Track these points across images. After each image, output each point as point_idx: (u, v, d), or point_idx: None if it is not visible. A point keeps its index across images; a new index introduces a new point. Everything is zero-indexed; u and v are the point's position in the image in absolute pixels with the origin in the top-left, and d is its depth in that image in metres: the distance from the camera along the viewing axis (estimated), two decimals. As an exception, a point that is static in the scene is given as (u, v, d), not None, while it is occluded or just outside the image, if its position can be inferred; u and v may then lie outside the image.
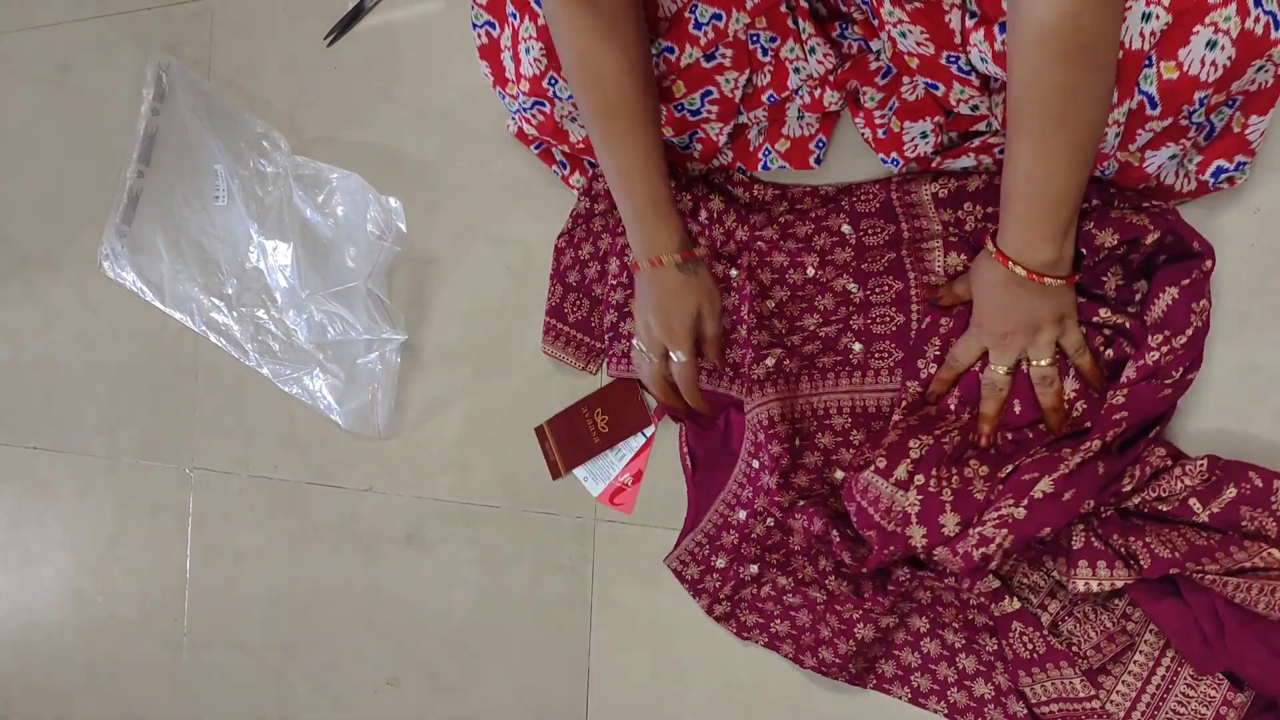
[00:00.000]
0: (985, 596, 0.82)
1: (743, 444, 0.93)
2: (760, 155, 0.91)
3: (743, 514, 0.94)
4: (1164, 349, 0.75)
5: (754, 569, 0.94)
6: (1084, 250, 0.76)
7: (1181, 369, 0.75)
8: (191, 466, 1.27)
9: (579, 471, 1.03)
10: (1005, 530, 0.74)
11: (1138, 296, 0.78)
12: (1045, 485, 0.74)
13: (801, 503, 0.89)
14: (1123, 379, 0.76)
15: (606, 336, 0.99)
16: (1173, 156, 0.76)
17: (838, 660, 0.89)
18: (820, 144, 0.90)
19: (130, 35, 1.29)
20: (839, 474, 0.90)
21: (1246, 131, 0.73)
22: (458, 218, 1.10)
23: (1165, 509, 0.77)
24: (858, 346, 0.89)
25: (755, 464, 0.92)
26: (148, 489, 1.30)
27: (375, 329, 1.09)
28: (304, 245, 1.13)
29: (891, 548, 0.80)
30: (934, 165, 0.84)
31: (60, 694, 1.39)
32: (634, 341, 0.90)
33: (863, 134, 0.87)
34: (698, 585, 0.96)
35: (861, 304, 0.89)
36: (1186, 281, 0.74)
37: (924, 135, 0.82)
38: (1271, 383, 0.79)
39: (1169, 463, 0.78)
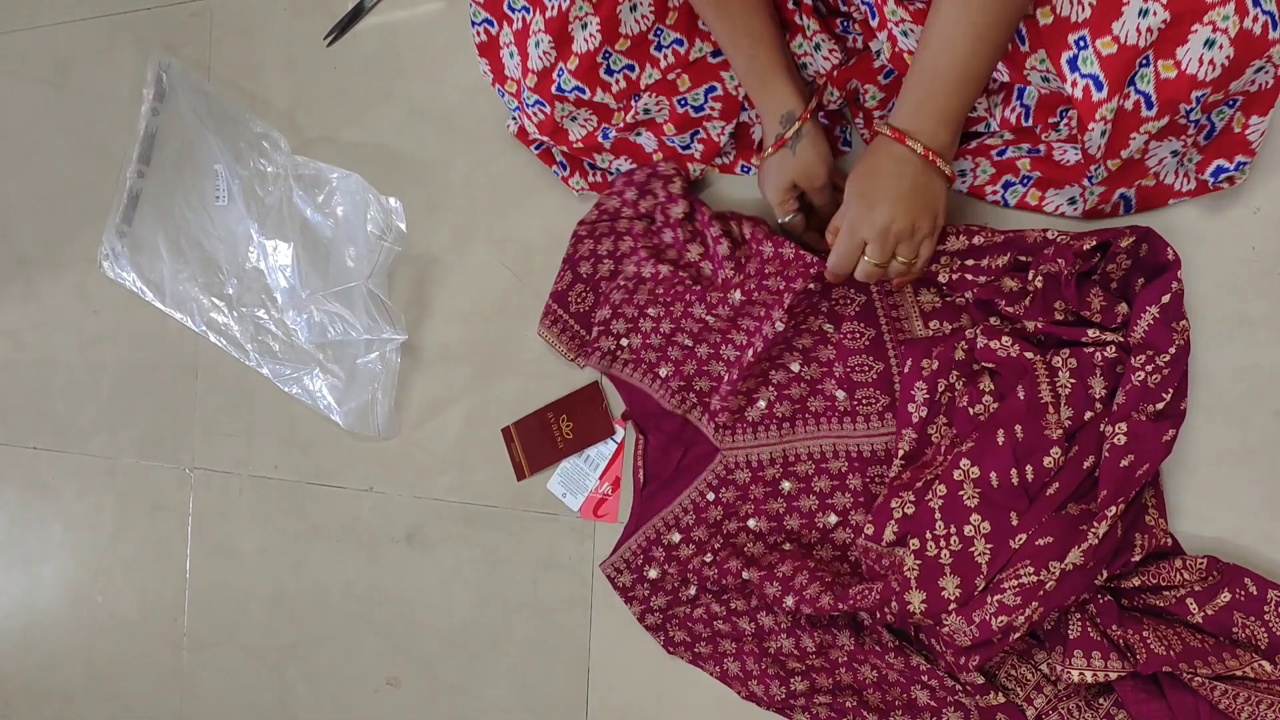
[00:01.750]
0: (971, 688, 0.81)
1: (701, 476, 0.95)
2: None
3: (676, 536, 0.95)
4: (1149, 368, 0.75)
5: (692, 590, 0.95)
6: (1062, 260, 0.77)
7: (1170, 391, 0.76)
8: (191, 466, 1.27)
9: (555, 489, 1.04)
10: (1035, 603, 0.74)
11: (1120, 320, 0.78)
12: (1075, 557, 0.74)
13: (788, 545, 0.90)
14: (1114, 406, 0.77)
15: (595, 330, 0.98)
16: (1174, 153, 0.76)
17: (767, 698, 0.91)
18: (843, 129, 0.90)
19: (130, 35, 1.29)
20: (832, 518, 0.90)
21: (1247, 132, 0.73)
22: (458, 218, 1.10)
23: (1162, 605, 0.77)
24: (841, 394, 0.89)
25: (710, 496, 0.94)
26: (148, 489, 1.30)
27: (375, 329, 1.09)
28: (304, 245, 1.13)
29: (891, 606, 0.80)
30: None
31: (60, 694, 1.39)
32: (783, 221, 0.87)
33: (862, 135, 0.87)
34: (629, 593, 0.97)
35: (838, 345, 0.89)
36: (1166, 299, 0.75)
37: (922, 136, 0.82)
38: (1271, 383, 0.79)
39: (1170, 540, 0.79)
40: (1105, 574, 0.77)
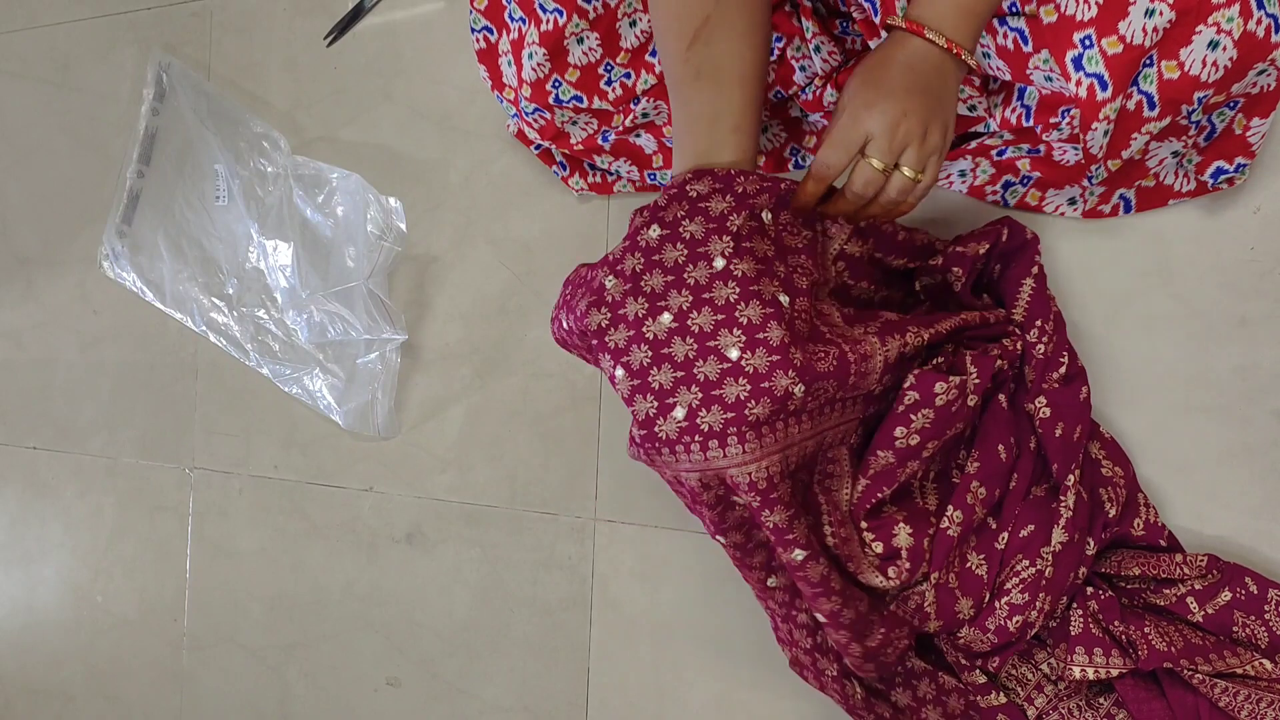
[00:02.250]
0: (972, 687, 0.81)
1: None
2: (787, 154, 0.91)
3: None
4: (1044, 339, 0.79)
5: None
6: (959, 269, 0.79)
7: (1065, 354, 0.80)
8: (191, 466, 1.27)
9: None
10: (1042, 592, 0.75)
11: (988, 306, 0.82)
12: (1060, 536, 0.75)
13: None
14: (1028, 384, 0.80)
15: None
16: (1174, 154, 0.76)
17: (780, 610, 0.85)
18: None
19: (130, 35, 1.29)
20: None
21: (1248, 134, 0.73)
22: (458, 218, 1.10)
23: (1163, 604, 0.78)
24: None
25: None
26: (148, 489, 1.30)
27: (375, 329, 1.09)
28: (304, 245, 1.13)
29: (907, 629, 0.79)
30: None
31: (60, 694, 1.39)
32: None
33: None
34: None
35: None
36: (1036, 270, 0.80)
37: (921, 136, 0.82)
38: (1271, 383, 0.79)
39: (1155, 515, 0.81)
40: (1093, 544, 0.78)
